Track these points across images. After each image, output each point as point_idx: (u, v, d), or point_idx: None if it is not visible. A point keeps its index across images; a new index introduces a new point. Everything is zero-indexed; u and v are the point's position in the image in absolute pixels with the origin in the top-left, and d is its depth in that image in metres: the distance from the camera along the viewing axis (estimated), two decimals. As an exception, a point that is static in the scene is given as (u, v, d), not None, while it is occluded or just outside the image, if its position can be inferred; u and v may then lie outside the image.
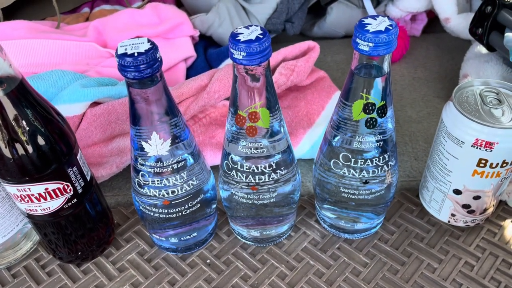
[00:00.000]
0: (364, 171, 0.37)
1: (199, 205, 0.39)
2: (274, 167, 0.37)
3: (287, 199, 0.40)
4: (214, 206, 0.42)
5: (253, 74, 0.32)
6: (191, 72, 0.60)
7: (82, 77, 0.50)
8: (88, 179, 0.38)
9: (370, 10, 0.66)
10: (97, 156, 0.48)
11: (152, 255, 0.44)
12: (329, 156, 0.38)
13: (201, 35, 0.65)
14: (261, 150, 0.36)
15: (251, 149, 0.35)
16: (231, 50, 0.31)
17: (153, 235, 0.42)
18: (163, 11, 0.62)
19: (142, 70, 0.30)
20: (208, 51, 0.62)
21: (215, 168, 0.45)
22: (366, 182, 0.38)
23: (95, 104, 0.49)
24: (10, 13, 0.71)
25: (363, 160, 0.36)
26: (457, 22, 0.64)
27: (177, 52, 0.59)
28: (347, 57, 0.68)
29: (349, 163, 0.37)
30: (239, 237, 0.44)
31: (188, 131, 0.37)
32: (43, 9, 0.76)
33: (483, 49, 0.59)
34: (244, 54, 0.30)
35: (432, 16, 0.73)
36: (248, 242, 0.44)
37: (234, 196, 0.39)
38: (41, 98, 0.33)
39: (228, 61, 0.59)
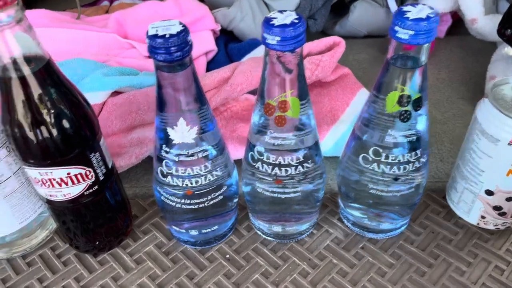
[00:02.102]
0: (395, 167, 0.36)
1: (221, 197, 0.38)
2: (301, 160, 0.35)
3: (311, 196, 0.39)
4: (236, 200, 0.41)
5: (285, 61, 0.31)
6: (211, 66, 0.59)
7: (103, 66, 0.50)
8: (110, 166, 0.38)
9: (394, 9, 0.65)
10: (116, 146, 0.47)
11: (170, 248, 0.42)
12: (357, 152, 0.37)
13: (222, 30, 0.64)
14: (289, 141, 0.34)
15: (278, 139, 0.34)
16: (264, 34, 0.30)
17: (173, 227, 0.41)
18: (184, 4, 0.61)
19: (173, 52, 0.30)
20: (229, 46, 0.61)
21: (236, 162, 0.44)
22: (396, 179, 0.36)
23: (116, 93, 0.48)
24: (31, 3, 0.71)
25: (394, 156, 0.35)
26: (484, 23, 0.63)
27: (198, 45, 0.58)
28: (369, 56, 0.67)
29: (379, 158, 0.36)
30: (259, 233, 0.43)
31: (214, 122, 0.36)
32: (64, 1, 0.76)
33: (511, 51, 0.58)
34: (278, 38, 0.29)
35: (456, 18, 0.71)
36: (269, 238, 0.43)
37: (258, 189, 0.38)
38: (67, 80, 0.33)
39: (250, 55, 0.58)
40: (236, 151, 0.47)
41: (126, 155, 0.47)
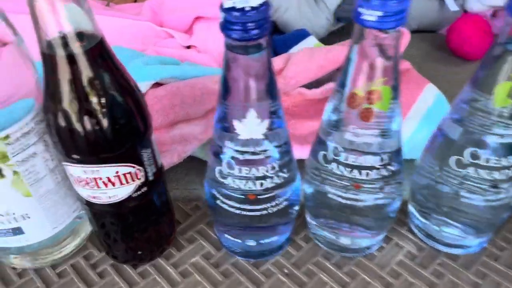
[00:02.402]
0: (495, 173, 0.30)
1: (286, 203, 0.33)
2: (386, 161, 0.30)
3: (391, 204, 0.33)
4: (297, 207, 0.36)
5: (382, 42, 0.26)
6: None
7: (143, 55, 0.45)
8: (159, 165, 0.33)
9: (450, 2, 0.60)
10: (157, 143, 0.42)
11: (219, 259, 0.37)
12: (446, 154, 0.32)
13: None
14: (375, 139, 0.29)
15: (362, 137, 0.29)
16: (360, 9, 0.25)
17: (225, 235, 0.36)
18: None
19: (251, 29, 0.25)
20: (273, 38, 0.56)
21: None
22: (495, 186, 0.31)
23: (157, 85, 0.43)
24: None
25: (496, 159, 0.30)
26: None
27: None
28: (421, 52, 0.62)
29: (477, 161, 0.31)
30: (320, 245, 0.38)
31: (284, 118, 0.31)
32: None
33: None
34: (379, 14, 0.24)
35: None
36: (331, 251, 0.37)
37: (328, 195, 0.33)
38: (121, 64, 0.28)
39: (297, 47, 0.53)
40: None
41: (167, 153, 0.42)
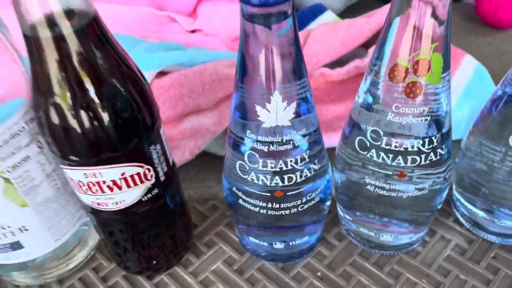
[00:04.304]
0: None
1: (318, 198, 0.29)
2: (435, 144, 0.26)
3: (437, 193, 0.29)
4: (329, 202, 0.32)
5: (433, 2, 0.21)
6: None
7: (144, 42, 0.41)
8: (171, 163, 0.29)
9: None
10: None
11: (243, 265, 0.33)
12: (503, 134, 0.28)
13: None
14: (423, 119, 0.25)
15: (408, 117, 0.25)
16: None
17: (249, 237, 0.32)
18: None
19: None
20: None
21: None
22: None
23: (162, 74, 0.39)
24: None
25: None
26: None
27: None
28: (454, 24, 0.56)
29: (543, 138, 0.26)
30: (356, 242, 0.34)
31: (312, 102, 0.26)
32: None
33: None
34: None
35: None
36: (369, 249, 0.33)
37: (368, 187, 0.28)
38: (120, 47, 0.23)
39: (315, 24, 0.48)
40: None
41: (178, 149, 0.38)
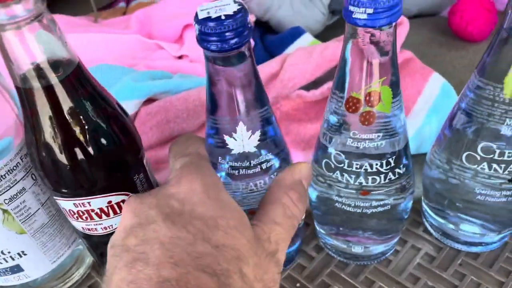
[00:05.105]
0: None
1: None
2: (392, 165, 0.28)
3: (402, 207, 0.31)
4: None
5: (377, 40, 0.24)
6: (248, 63, 0.53)
7: (132, 71, 0.44)
8: (155, 186, 0.31)
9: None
10: (153, 161, 0.41)
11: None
12: (458, 150, 0.30)
13: (256, 21, 0.58)
14: (379, 143, 0.27)
15: (365, 142, 0.27)
16: (351, 8, 0.23)
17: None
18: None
19: (230, 39, 0.23)
20: (267, 38, 0.54)
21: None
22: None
23: (149, 101, 0.42)
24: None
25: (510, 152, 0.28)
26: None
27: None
28: (422, 37, 0.59)
29: (491, 156, 0.28)
30: (332, 254, 0.36)
31: (277, 126, 0.29)
32: (77, 7, 0.70)
33: None
34: (370, 11, 0.22)
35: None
36: (345, 260, 0.36)
37: (336, 205, 0.31)
38: (102, 87, 0.26)
39: (294, 46, 0.51)
40: (296, 157, 0.40)
41: (165, 171, 0.41)
